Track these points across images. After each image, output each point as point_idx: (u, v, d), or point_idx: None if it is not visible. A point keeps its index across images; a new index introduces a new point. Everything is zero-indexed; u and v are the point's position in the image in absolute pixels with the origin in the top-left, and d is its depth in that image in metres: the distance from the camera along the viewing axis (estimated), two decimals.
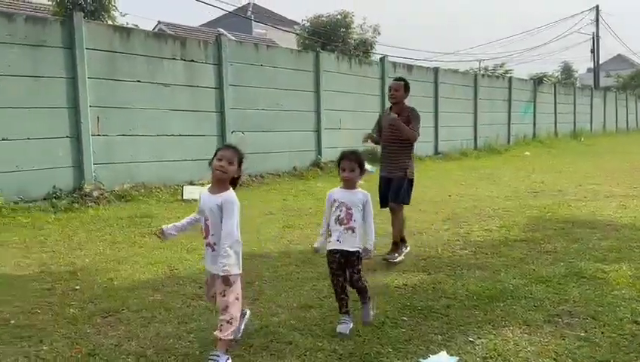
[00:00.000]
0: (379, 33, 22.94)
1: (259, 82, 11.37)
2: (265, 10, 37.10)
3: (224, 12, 25.91)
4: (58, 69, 8.26)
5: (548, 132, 24.00)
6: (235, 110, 10.84)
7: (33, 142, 7.99)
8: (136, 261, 5.21)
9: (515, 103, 21.35)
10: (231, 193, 3.02)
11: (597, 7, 39.78)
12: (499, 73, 29.09)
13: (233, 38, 16.43)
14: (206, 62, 10.40)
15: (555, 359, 3.06)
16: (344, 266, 3.48)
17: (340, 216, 3.47)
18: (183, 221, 3.26)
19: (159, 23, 25.07)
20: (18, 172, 7.83)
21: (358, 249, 3.46)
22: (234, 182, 3.11)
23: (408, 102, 5.53)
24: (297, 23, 24.89)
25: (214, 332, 3.05)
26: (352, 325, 3.47)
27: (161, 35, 11.41)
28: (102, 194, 8.42)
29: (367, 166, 5.58)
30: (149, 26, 23.10)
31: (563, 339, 3.30)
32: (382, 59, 15.33)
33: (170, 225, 3.24)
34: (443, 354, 3.09)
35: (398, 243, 5.26)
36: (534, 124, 23.12)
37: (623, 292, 4.11)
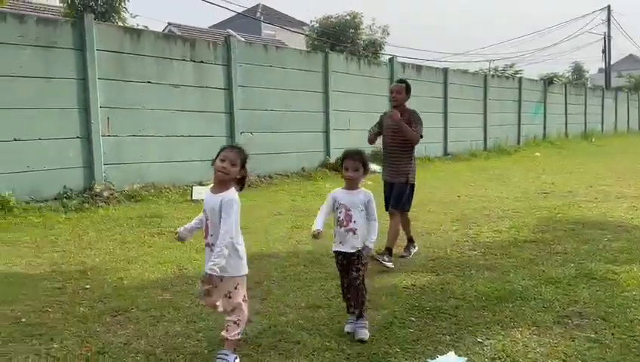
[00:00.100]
0: (388, 34, 22.95)
1: (268, 83, 11.40)
2: (274, 11, 37.18)
3: (234, 13, 25.95)
4: (69, 70, 8.34)
5: (558, 133, 23.85)
6: (244, 111, 10.87)
7: (44, 143, 8.07)
8: (146, 260, 5.24)
9: (525, 104, 21.24)
10: (231, 192, 2.99)
11: (608, 6, 39.45)
12: (509, 73, 28.95)
13: (242, 39, 16.48)
14: (215, 63, 10.44)
15: (564, 360, 3.04)
16: (347, 268, 3.47)
17: (339, 218, 3.45)
18: (192, 222, 3.25)
19: (169, 24, 25.23)
20: (30, 172, 7.91)
21: (358, 250, 3.42)
22: (241, 183, 3.09)
23: (409, 104, 5.45)
24: (306, 24, 24.92)
25: (222, 333, 3.06)
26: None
27: (170, 36, 11.48)
28: (112, 194, 8.48)
29: (375, 166, 5.57)
30: (159, 27, 23.24)
31: (573, 341, 3.27)
32: (391, 60, 15.32)
33: (182, 228, 3.22)
34: (451, 354, 3.08)
35: (392, 249, 5.12)
36: (544, 125, 22.99)
37: (634, 293, 4.07)
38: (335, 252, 3.51)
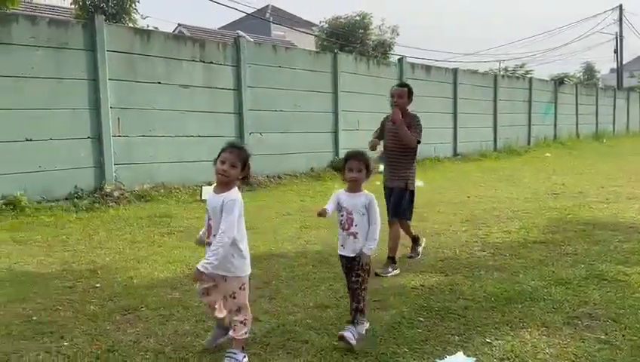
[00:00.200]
0: (397, 34, 22.93)
1: (277, 83, 11.42)
2: (283, 12, 37.25)
3: (243, 14, 26.03)
4: (80, 71, 8.40)
5: (569, 133, 23.67)
6: (253, 111, 10.90)
7: (56, 143, 8.15)
8: (156, 260, 5.27)
9: (535, 104, 21.10)
10: (233, 192, 2.96)
11: (620, 6, 39.08)
12: (519, 74, 28.80)
13: (252, 39, 16.52)
14: (224, 64, 10.48)
15: (573, 361, 3.02)
16: (349, 271, 3.43)
17: (341, 221, 3.40)
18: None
19: (179, 25, 25.35)
20: (41, 172, 7.98)
21: (358, 254, 3.35)
22: (245, 181, 3.06)
23: (414, 106, 5.32)
24: (315, 25, 24.95)
25: (229, 332, 3.08)
26: (367, 325, 3.47)
27: (180, 37, 11.54)
28: (122, 194, 8.54)
29: (383, 167, 5.48)
30: (169, 28, 23.37)
31: (582, 342, 3.25)
32: (400, 60, 15.29)
33: (202, 231, 3.19)
34: (460, 354, 3.07)
35: (394, 257, 4.95)
36: (555, 125, 22.82)
37: None
38: (339, 255, 3.49)
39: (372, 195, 3.42)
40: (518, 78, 22.84)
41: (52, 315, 3.81)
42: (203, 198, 8.90)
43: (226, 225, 2.88)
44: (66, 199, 8.12)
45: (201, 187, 9.42)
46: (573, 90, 24.61)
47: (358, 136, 12.73)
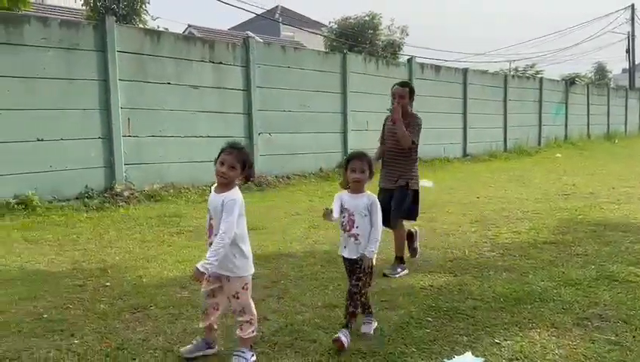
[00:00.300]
0: (407, 34, 22.86)
1: (286, 84, 11.44)
2: (293, 12, 37.30)
3: (253, 15, 26.11)
4: (91, 72, 8.47)
5: (580, 134, 23.49)
6: (262, 112, 10.93)
7: (67, 143, 8.22)
8: (165, 259, 5.30)
9: (546, 104, 20.96)
10: (234, 192, 2.95)
11: (632, 5, 38.71)
12: (529, 74, 28.61)
13: (261, 40, 16.57)
14: (234, 65, 10.51)
15: None
16: (351, 274, 3.40)
17: (343, 222, 3.36)
18: None
19: (189, 26, 25.47)
20: (52, 172, 8.05)
21: (359, 257, 3.32)
22: (247, 181, 3.04)
23: (418, 105, 5.22)
24: (325, 25, 24.96)
25: (236, 332, 3.09)
26: (375, 324, 3.47)
27: (190, 37, 11.59)
28: (132, 194, 8.60)
29: None
30: (179, 29, 23.48)
31: (592, 343, 3.23)
32: (409, 60, 15.25)
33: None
34: (468, 354, 3.06)
35: (402, 257, 4.89)
36: (566, 126, 22.66)
37: None
38: (342, 256, 3.47)
39: (375, 196, 3.39)
40: (528, 78, 22.71)
41: (62, 313, 3.84)
42: None
43: (226, 225, 2.86)
44: (77, 199, 8.19)
45: (210, 187, 9.42)
46: (584, 90, 24.41)
47: (367, 136, 12.71)
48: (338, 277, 4.58)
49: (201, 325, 3.18)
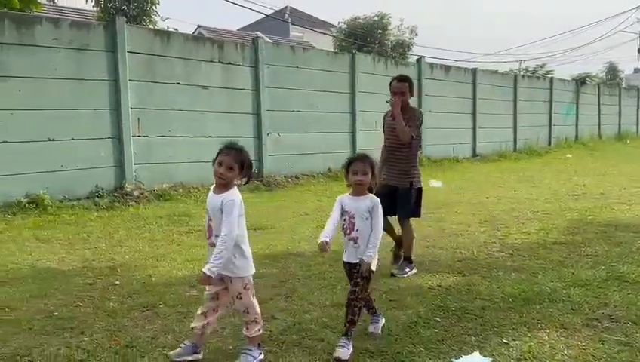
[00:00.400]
0: (416, 34, 22.79)
1: (295, 84, 11.45)
2: (302, 13, 37.31)
3: (262, 16, 26.15)
4: (101, 72, 8.53)
5: (591, 134, 23.31)
6: (271, 112, 10.95)
7: (77, 143, 8.28)
8: (174, 258, 5.33)
9: (556, 104, 20.81)
10: (232, 192, 2.92)
11: None
12: (540, 74, 28.43)
13: (270, 41, 16.61)
14: (243, 65, 10.55)
15: None
16: (350, 278, 3.35)
17: (344, 225, 3.30)
18: None
19: (199, 26, 25.56)
20: (63, 171, 8.12)
21: (358, 261, 3.23)
22: (247, 181, 3.01)
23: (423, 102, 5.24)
24: (333, 26, 24.95)
25: (243, 331, 3.10)
26: (382, 321, 3.47)
27: (199, 38, 11.64)
28: (142, 194, 8.65)
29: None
30: (188, 30, 23.59)
31: (602, 343, 3.21)
32: (418, 60, 15.21)
33: None
34: (476, 354, 3.05)
35: (410, 257, 4.86)
36: (577, 126, 22.49)
37: None
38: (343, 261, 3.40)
39: (377, 199, 3.30)
40: (538, 78, 22.55)
41: (72, 311, 3.88)
42: None
43: (228, 227, 2.84)
44: (87, 198, 8.25)
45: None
46: (595, 90, 24.21)
47: (376, 136, 12.60)
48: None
49: (192, 325, 3.11)
